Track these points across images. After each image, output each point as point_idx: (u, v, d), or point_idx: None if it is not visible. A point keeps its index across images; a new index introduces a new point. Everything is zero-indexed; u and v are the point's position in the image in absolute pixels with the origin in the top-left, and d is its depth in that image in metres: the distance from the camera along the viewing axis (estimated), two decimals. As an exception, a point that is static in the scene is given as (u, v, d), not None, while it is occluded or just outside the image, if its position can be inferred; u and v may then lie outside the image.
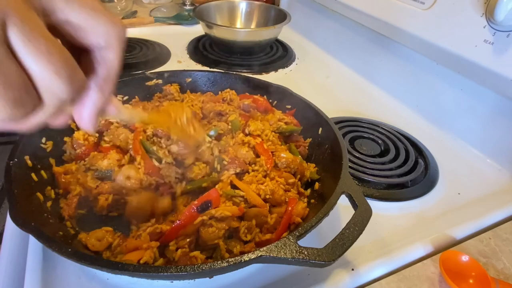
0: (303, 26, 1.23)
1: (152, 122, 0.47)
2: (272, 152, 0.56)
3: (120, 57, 0.26)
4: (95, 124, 0.28)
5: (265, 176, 0.53)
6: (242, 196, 0.49)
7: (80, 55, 0.26)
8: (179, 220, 0.43)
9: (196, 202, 0.45)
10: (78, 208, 0.47)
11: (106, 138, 0.56)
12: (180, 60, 1.00)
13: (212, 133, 0.57)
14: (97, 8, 0.24)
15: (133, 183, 0.48)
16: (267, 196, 0.49)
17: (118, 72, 0.27)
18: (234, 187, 0.50)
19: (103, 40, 0.25)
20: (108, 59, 0.26)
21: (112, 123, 0.58)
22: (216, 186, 0.49)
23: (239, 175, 0.53)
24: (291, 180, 0.53)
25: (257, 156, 0.55)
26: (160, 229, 0.44)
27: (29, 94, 0.20)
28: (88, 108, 0.26)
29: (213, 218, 0.44)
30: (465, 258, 0.47)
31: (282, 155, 0.55)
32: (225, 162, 0.52)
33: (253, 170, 0.53)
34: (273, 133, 0.60)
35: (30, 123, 0.22)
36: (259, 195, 0.49)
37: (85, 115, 0.27)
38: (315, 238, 0.43)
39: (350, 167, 0.62)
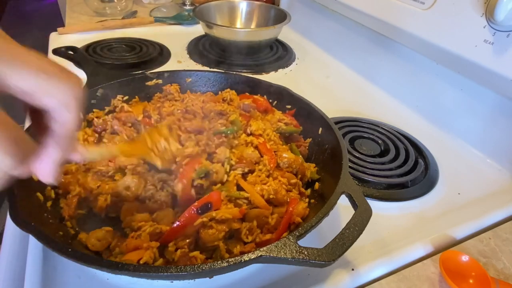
0: (303, 26, 1.23)
1: (125, 154, 0.46)
2: (274, 151, 0.56)
3: (76, 115, 0.26)
4: (56, 176, 0.28)
5: (268, 176, 0.53)
6: (246, 198, 0.49)
7: (37, 111, 0.26)
8: (178, 221, 0.43)
9: (196, 203, 0.45)
10: (78, 208, 0.47)
11: (105, 140, 0.56)
12: (180, 60, 1.00)
13: (228, 132, 0.57)
14: (45, 69, 0.24)
15: (129, 195, 0.48)
16: (271, 196, 0.49)
17: (76, 128, 0.27)
18: (238, 188, 0.50)
19: (57, 101, 0.25)
20: (64, 119, 0.26)
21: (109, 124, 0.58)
22: (222, 186, 0.49)
23: (244, 175, 0.53)
24: (293, 181, 0.53)
25: (261, 156, 0.55)
26: (160, 229, 0.44)
27: None
28: (47, 163, 0.27)
29: (213, 220, 0.44)
30: (465, 258, 0.47)
31: (284, 155, 0.55)
32: (233, 162, 0.52)
33: (259, 170, 0.53)
34: (274, 133, 0.60)
35: None
36: (262, 196, 0.49)
37: (44, 170, 0.27)
38: (315, 238, 0.43)
39: (350, 167, 0.62)
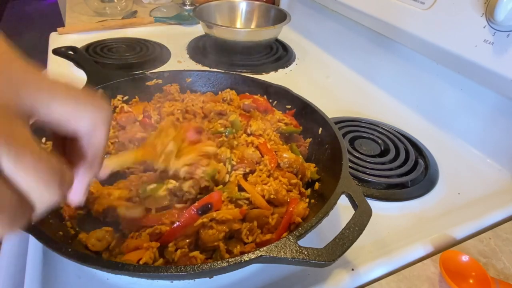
0: (303, 26, 1.23)
1: (138, 162, 0.46)
2: (275, 152, 0.56)
3: (107, 136, 0.27)
4: (84, 198, 0.28)
5: (268, 176, 0.53)
6: (247, 199, 0.49)
7: (65, 139, 0.27)
8: (178, 222, 0.43)
9: (196, 204, 0.45)
10: (78, 209, 0.47)
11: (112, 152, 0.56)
12: (180, 60, 1.00)
13: (227, 132, 0.57)
14: (80, 97, 0.24)
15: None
16: (272, 196, 0.49)
17: (105, 147, 0.28)
18: (239, 188, 0.50)
19: (89, 126, 0.25)
20: (95, 143, 0.26)
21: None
22: (223, 187, 0.49)
23: (245, 175, 0.52)
24: (294, 181, 0.53)
25: (262, 156, 0.55)
26: (159, 230, 0.44)
27: (23, 209, 0.21)
28: (77, 188, 0.27)
29: (213, 220, 0.44)
30: (465, 258, 0.47)
31: (284, 155, 0.55)
32: (234, 163, 0.52)
33: (259, 170, 0.53)
34: (275, 133, 0.60)
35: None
36: (263, 196, 0.49)
37: (75, 195, 0.27)
38: (315, 238, 0.43)
39: (350, 167, 0.62)
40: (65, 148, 0.27)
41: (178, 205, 0.47)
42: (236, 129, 0.59)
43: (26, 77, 0.22)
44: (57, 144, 0.28)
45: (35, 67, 0.23)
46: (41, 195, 0.21)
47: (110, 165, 0.33)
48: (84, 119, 0.25)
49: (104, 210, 0.47)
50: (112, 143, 0.58)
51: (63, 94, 0.24)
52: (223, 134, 0.57)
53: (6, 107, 0.21)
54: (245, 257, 0.36)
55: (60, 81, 0.24)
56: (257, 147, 0.56)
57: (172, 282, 0.44)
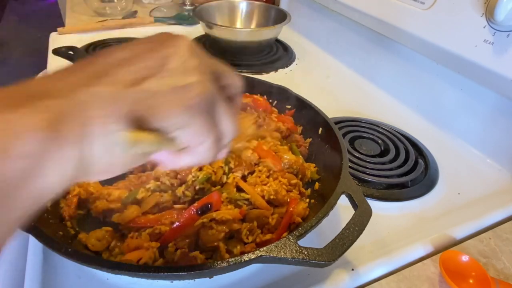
0: (303, 26, 1.23)
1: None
2: (274, 152, 0.56)
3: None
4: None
5: (268, 177, 0.52)
6: (247, 199, 0.49)
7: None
8: (178, 222, 0.43)
9: (196, 204, 0.45)
10: (78, 209, 0.47)
11: None
12: (180, 60, 1.00)
13: None
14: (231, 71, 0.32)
15: (119, 207, 0.47)
16: (271, 197, 0.49)
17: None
18: (238, 189, 0.50)
19: (237, 85, 0.32)
20: (236, 92, 0.33)
21: None
22: (222, 188, 0.49)
23: (243, 177, 0.52)
24: (294, 181, 0.53)
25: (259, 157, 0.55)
26: (159, 230, 0.44)
27: (220, 142, 0.29)
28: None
29: (213, 221, 0.44)
30: (465, 258, 0.47)
31: (285, 156, 0.55)
32: (231, 165, 0.52)
33: (259, 171, 0.53)
34: (275, 133, 0.60)
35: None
36: (263, 196, 0.49)
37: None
38: (315, 238, 0.43)
39: (350, 167, 0.62)
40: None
41: (177, 206, 0.47)
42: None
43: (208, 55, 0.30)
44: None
45: None
46: (230, 134, 0.29)
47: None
48: (234, 85, 0.32)
49: (104, 210, 0.47)
50: None
51: (230, 68, 0.32)
52: None
53: (211, 73, 0.28)
54: (245, 257, 0.36)
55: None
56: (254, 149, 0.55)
57: (172, 282, 0.44)
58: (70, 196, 0.48)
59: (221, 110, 0.28)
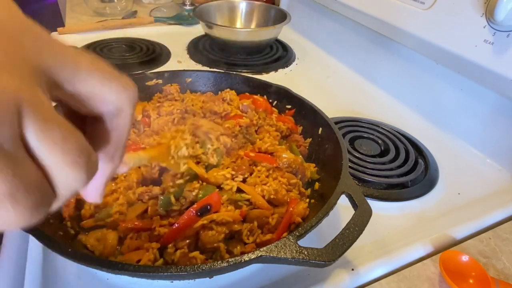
0: (303, 26, 1.23)
1: (152, 160, 0.42)
2: (271, 153, 0.56)
3: (132, 119, 0.24)
4: (102, 194, 0.25)
5: (267, 176, 0.52)
6: (247, 200, 0.49)
7: (84, 122, 0.23)
8: (177, 223, 0.43)
9: (195, 205, 0.45)
10: (77, 209, 0.47)
11: None
12: (180, 60, 1.00)
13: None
14: (107, 71, 0.22)
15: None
16: (272, 196, 0.49)
17: (129, 133, 0.24)
18: (238, 190, 0.50)
19: (115, 107, 0.22)
20: (119, 126, 0.23)
21: None
22: (221, 191, 0.49)
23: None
24: (293, 181, 0.53)
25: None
26: (158, 232, 0.44)
27: (47, 192, 0.18)
28: (97, 181, 0.23)
29: (213, 222, 0.44)
30: (465, 258, 0.47)
31: (283, 155, 0.55)
32: (232, 172, 0.51)
33: (258, 171, 0.53)
34: (276, 133, 0.60)
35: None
36: (263, 196, 0.49)
37: (94, 188, 0.24)
38: (315, 238, 0.43)
39: (350, 167, 0.62)
40: (83, 131, 0.23)
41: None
42: (220, 156, 0.55)
43: (51, 40, 0.19)
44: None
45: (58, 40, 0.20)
46: (67, 177, 0.18)
47: (129, 161, 0.31)
48: (111, 97, 0.22)
49: (91, 215, 0.47)
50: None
51: (89, 66, 0.21)
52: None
53: (32, 69, 0.18)
54: (245, 257, 0.36)
55: (85, 52, 0.21)
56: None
57: (172, 282, 0.44)
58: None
59: (35, 129, 0.17)
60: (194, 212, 0.44)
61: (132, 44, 1.03)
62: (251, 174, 0.53)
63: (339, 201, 0.43)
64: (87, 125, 0.24)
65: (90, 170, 0.20)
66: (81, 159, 0.19)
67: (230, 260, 0.35)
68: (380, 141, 0.71)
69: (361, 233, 0.40)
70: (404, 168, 0.64)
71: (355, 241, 0.39)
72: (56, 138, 0.17)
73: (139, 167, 0.51)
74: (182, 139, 0.43)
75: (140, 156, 0.35)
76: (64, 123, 0.18)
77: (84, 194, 0.25)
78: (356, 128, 0.74)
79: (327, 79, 0.98)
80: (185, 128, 0.46)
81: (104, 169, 0.24)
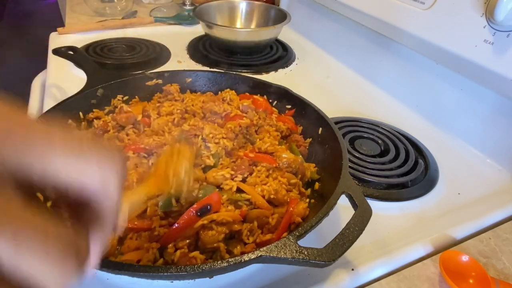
0: (303, 26, 1.23)
1: (150, 196, 0.41)
2: (271, 153, 0.56)
3: (120, 192, 0.22)
4: (98, 264, 0.23)
5: (267, 176, 0.52)
6: (247, 200, 0.49)
7: (68, 200, 0.22)
8: (177, 223, 0.43)
9: (195, 205, 0.45)
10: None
11: None
12: (180, 60, 1.00)
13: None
14: (83, 145, 0.19)
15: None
16: (271, 196, 0.49)
17: (120, 205, 0.22)
18: (238, 190, 0.50)
19: (99, 183, 0.20)
20: (108, 200, 0.21)
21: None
22: (222, 191, 0.49)
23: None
24: (293, 181, 0.53)
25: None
26: (157, 232, 0.44)
27: None
28: (94, 256, 0.22)
29: (213, 222, 0.44)
30: (465, 258, 0.47)
31: (283, 155, 0.55)
32: (232, 172, 0.51)
33: (258, 171, 0.53)
34: (276, 133, 0.60)
35: None
36: (263, 196, 0.49)
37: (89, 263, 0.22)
38: (315, 238, 0.43)
39: (350, 167, 0.62)
40: (69, 208, 0.22)
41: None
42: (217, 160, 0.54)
43: (8, 125, 0.17)
44: (58, 206, 0.23)
45: (19, 109, 0.18)
46: (56, 280, 0.16)
47: (126, 212, 0.28)
48: (91, 175, 0.20)
49: None
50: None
51: (61, 143, 0.18)
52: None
53: None
54: (245, 257, 0.36)
55: (55, 127, 0.19)
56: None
57: (172, 282, 0.44)
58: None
59: (10, 249, 0.15)
60: (194, 212, 0.44)
61: (132, 44, 1.03)
62: (251, 174, 0.53)
63: (339, 201, 0.43)
64: (72, 203, 0.22)
65: (82, 261, 0.18)
66: (69, 256, 0.17)
67: (230, 260, 0.35)
68: (380, 141, 0.71)
69: (361, 233, 0.40)
70: (404, 168, 0.64)
71: (355, 241, 0.39)
72: (35, 245, 0.15)
73: (137, 167, 0.51)
74: (178, 163, 0.40)
75: (134, 199, 0.32)
76: (39, 224, 0.16)
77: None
78: (356, 128, 0.74)
79: (327, 79, 0.98)
80: (177, 149, 0.42)
81: (98, 244, 0.22)
